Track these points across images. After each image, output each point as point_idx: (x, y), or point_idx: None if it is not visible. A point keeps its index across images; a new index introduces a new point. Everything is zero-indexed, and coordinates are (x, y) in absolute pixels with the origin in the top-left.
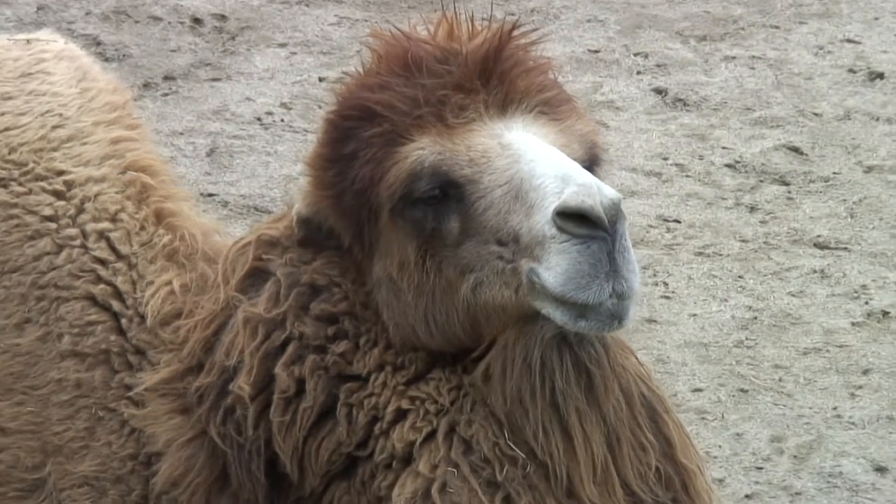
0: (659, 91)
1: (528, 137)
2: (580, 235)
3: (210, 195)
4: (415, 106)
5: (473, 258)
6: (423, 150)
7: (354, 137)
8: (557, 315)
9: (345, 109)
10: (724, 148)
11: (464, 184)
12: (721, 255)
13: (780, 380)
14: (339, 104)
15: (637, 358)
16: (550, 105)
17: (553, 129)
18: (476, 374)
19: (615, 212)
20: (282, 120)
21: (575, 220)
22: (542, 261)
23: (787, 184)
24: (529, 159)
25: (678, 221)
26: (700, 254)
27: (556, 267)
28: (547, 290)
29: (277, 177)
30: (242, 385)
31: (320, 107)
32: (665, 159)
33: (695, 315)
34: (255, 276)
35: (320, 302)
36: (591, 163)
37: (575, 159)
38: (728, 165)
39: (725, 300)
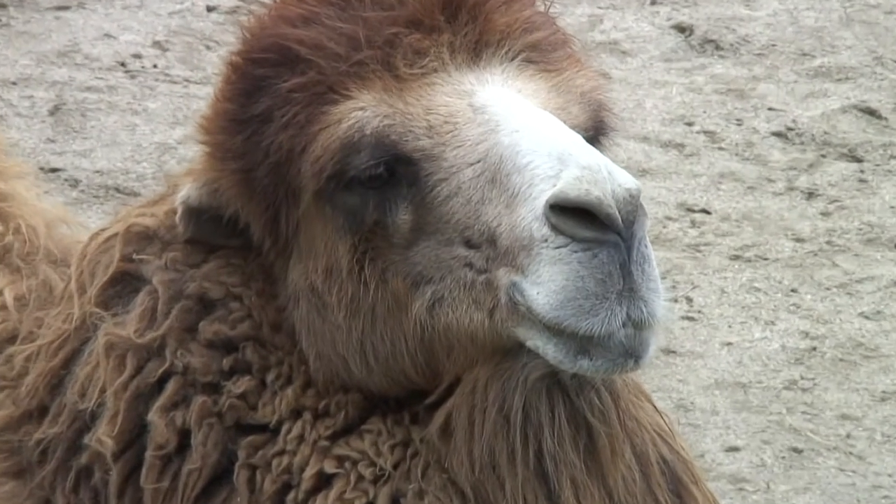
0: (681, 28)
1: (509, 97)
2: (583, 239)
3: (54, 170)
4: (353, 48)
5: (431, 265)
6: (363, 112)
7: (269, 90)
8: (549, 349)
9: (256, 51)
10: (771, 109)
11: (419, 160)
12: (767, 259)
13: (849, 436)
14: (247, 43)
15: (654, 405)
16: (541, 50)
17: (545, 85)
18: (431, 428)
19: (633, 207)
20: (154, 66)
21: (576, 216)
22: (528, 272)
23: (858, 160)
24: (512, 128)
25: (707, 212)
26: (737, 258)
27: (548, 282)
28: (535, 313)
29: (148, 145)
30: (103, 437)
31: (210, 47)
32: (689, 125)
33: (729, 344)
34: (123, 284)
35: (213, 321)
36: (597, 132)
37: (574, 127)
38: (777, 134)
39: (772, 323)
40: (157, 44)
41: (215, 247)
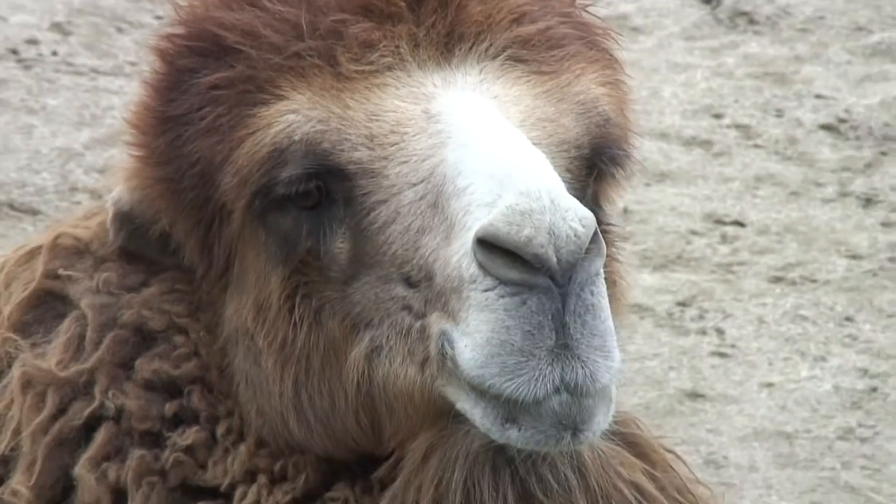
0: None
1: (473, 102)
2: (510, 281)
3: None
4: (293, 37)
5: (371, 305)
6: (295, 115)
7: (191, 86)
8: (477, 414)
9: (185, 37)
10: (818, 97)
11: (355, 175)
12: (815, 281)
13: None
14: (179, 26)
15: (680, 469)
16: (533, 47)
17: (532, 91)
18: None
19: (576, 247)
20: (54, 53)
21: (507, 253)
22: (459, 319)
23: None
24: (460, 142)
25: (741, 224)
26: (779, 280)
27: (474, 333)
28: (460, 370)
29: (48, 151)
30: (18, 487)
31: (121, 29)
32: (717, 117)
33: (770, 385)
34: (46, 307)
35: (153, 357)
36: (596, 151)
37: (563, 143)
38: (826, 127)
39: (823, 359)
40: (56, 26)
41: (158, 268)
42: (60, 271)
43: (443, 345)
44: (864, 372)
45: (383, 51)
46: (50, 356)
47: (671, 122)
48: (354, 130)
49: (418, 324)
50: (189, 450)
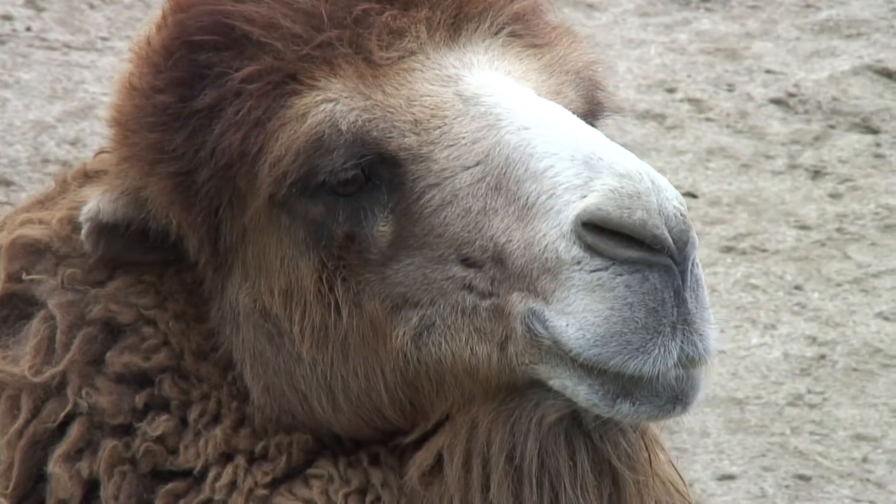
0: None
1: (503, 83)
2: (628, 260)
3: None
4: (314, 28)
5: (417, 286)
6: (334, 104)
7: (214, 80)
8: (581, 391)
9: (193, 31)
10: (768, 72)
11: (405, 161)
12: (765, 251)
13: (865, 459)
14: (178, 20)
15: (664, 454)
16: (526, 23)
17: (535, 64)
18: (411, 472)
19: (685, 226)
20: (28, 29)
21: (617, 235)
22: (552, 299)
23: (874, 131)
24: (519, 125)
25: (693, 195)
26: (730, 249)
27: (583, 312)
28: (566, 349)
29: (21, 124)
30: None
31: (94, 6)
32: (670, 91)
33: (721, 353)
34: (10, 308)
35: (122, 351)
36: (592, 116)
37: (572, 113)
38: (776, 101)
39: (773, 327)
40: (30, 2)
41: (123, 262)
42: (23, 276)
43: (531, 324)
44: (813, 340)
45: (408, 38)
46: (22, 361)
47: (626, 96)
48: (400, 117)
49: (486, 303)
50: (160, 438)
